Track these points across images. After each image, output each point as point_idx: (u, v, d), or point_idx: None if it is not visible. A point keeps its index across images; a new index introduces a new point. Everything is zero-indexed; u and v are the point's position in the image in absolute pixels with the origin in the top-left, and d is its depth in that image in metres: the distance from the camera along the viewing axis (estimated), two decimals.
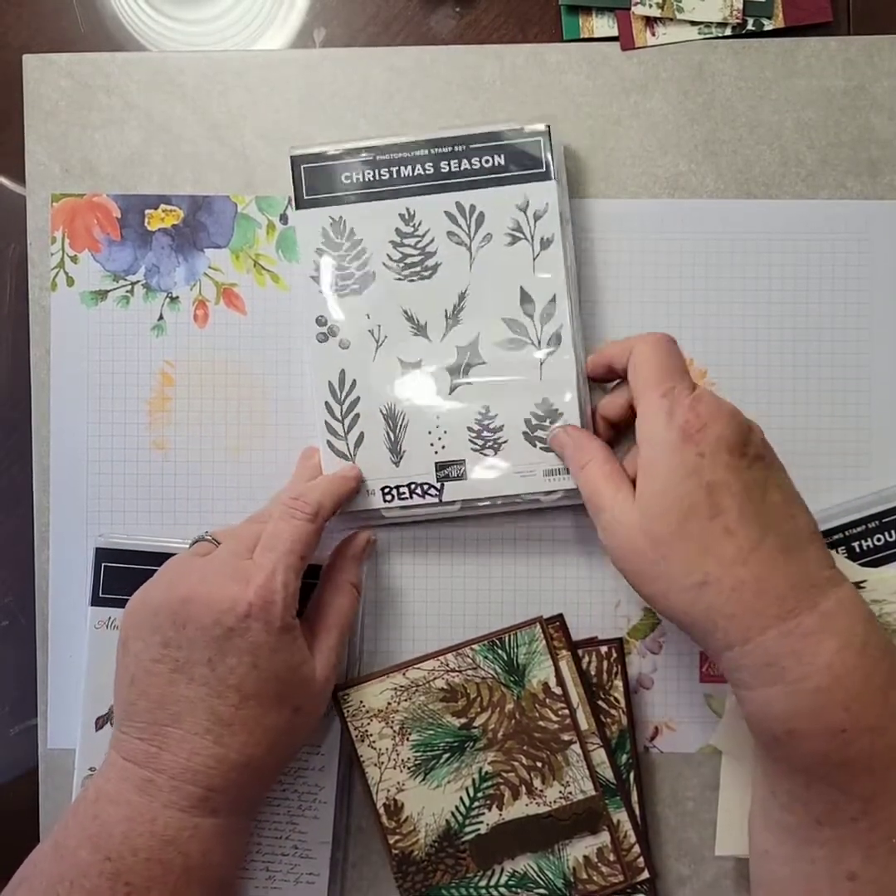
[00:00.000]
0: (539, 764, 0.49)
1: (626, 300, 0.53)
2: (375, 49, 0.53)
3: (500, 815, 0.49)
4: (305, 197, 0.50)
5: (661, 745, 0.52)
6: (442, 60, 0.53)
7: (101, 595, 0.51)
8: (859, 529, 0.51)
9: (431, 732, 0.49)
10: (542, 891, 0.49)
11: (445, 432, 0.49)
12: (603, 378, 0.50)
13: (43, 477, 0.53)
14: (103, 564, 0.51)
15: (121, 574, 0.51)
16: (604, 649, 0.51)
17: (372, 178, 0.50)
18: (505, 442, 0.49)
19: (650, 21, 0.52)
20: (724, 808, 0.51)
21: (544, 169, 0.50)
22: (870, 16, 0.53)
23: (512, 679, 0.49)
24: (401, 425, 0.49)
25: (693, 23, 0.52)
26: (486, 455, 0.49)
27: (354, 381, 0.50)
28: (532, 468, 0.49)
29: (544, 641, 0.49)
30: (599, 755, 0.49)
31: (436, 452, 0.49)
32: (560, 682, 0.49)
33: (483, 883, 0.49)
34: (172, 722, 0.42)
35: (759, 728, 0.42)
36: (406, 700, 0.49)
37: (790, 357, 0.53)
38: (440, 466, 0.49)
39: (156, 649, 0.42)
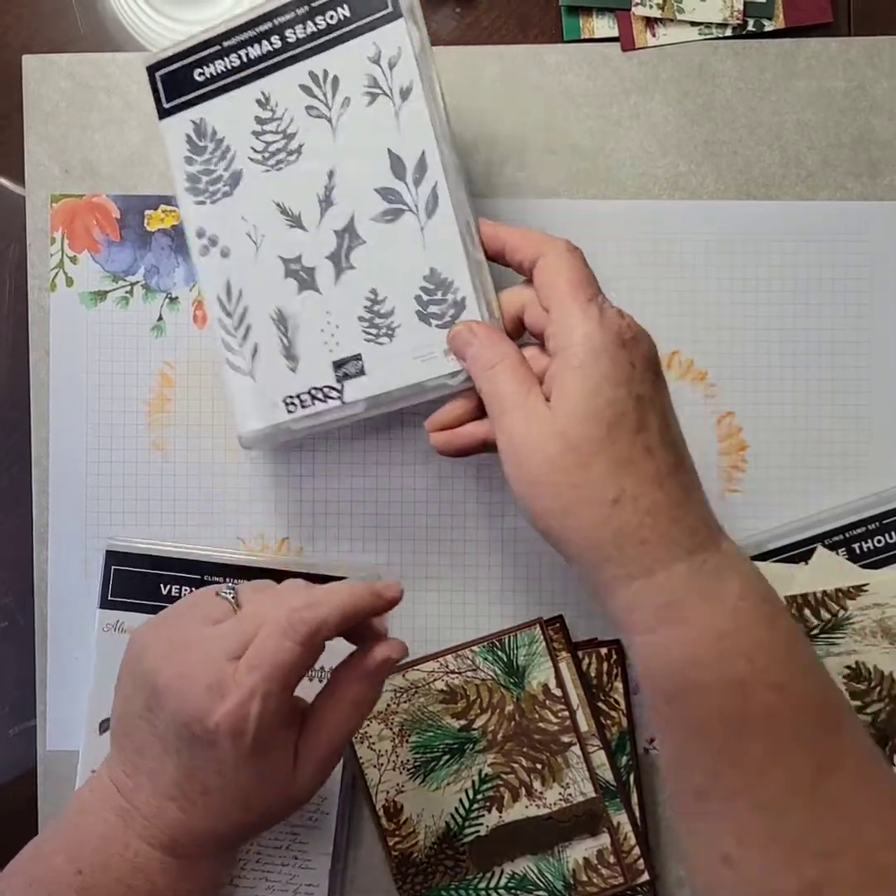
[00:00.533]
0: (539, 766, 0.49)
1: (626, 301, 0.52)
2: None
3: (500, 816, 0.49)
4: (165, 105, 0.47)
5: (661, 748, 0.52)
6: (442, 61, 0.52)
7: (109, 598, 0.51)
8: (859, 531, 0.51)
9: (431, 734, 0.49)
10: (541, 892, 0.49)
11: (338, 327, 0.47)
12: (491, 258, 0.45)
13: (42, 477, 0.53)
14: (112, 567, 0.51)
15: (130, 577, 0.51)
16: (604, 651, 0.50)
17: (224, 69, 0.47)
18: (399, 326, 0.46)
19: (650, 22, 0.52)
20: None
21: (391, 7, 0.44)
22: (870, 17, 0.53)
23: (512, 680, 0.49)
24: (292, 327, 0.47)
25: (693, 23, 0.52)
26: (381, 343, 0.46)
27: (241, 290, 0.47)
28: (431, 350, 0.46)
29: (544, 643, 0.49)
30: (599, 757, 0.49)
31: (331, 351, 0.47)
32: (560, 683, 0.49)
33: (482, 885, 0.49)
34: (147, 774, 0.41)
35: (653, 679, 0.38)
36: (406, 702, 0.49)
37: (790, 358, 0.52)
38: (337, 365, 0.47)
39: (140, 707, 0.41)
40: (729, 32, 0.52)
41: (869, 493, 0.52)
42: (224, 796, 0.40)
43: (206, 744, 0.39)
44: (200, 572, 0.51)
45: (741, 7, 0.52)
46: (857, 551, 0.51)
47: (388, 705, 0.49)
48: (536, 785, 0.49)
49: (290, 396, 0.47)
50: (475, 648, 0.49)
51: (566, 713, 0.49)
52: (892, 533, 0.51)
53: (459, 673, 0.49)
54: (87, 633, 0.52)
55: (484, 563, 0.53)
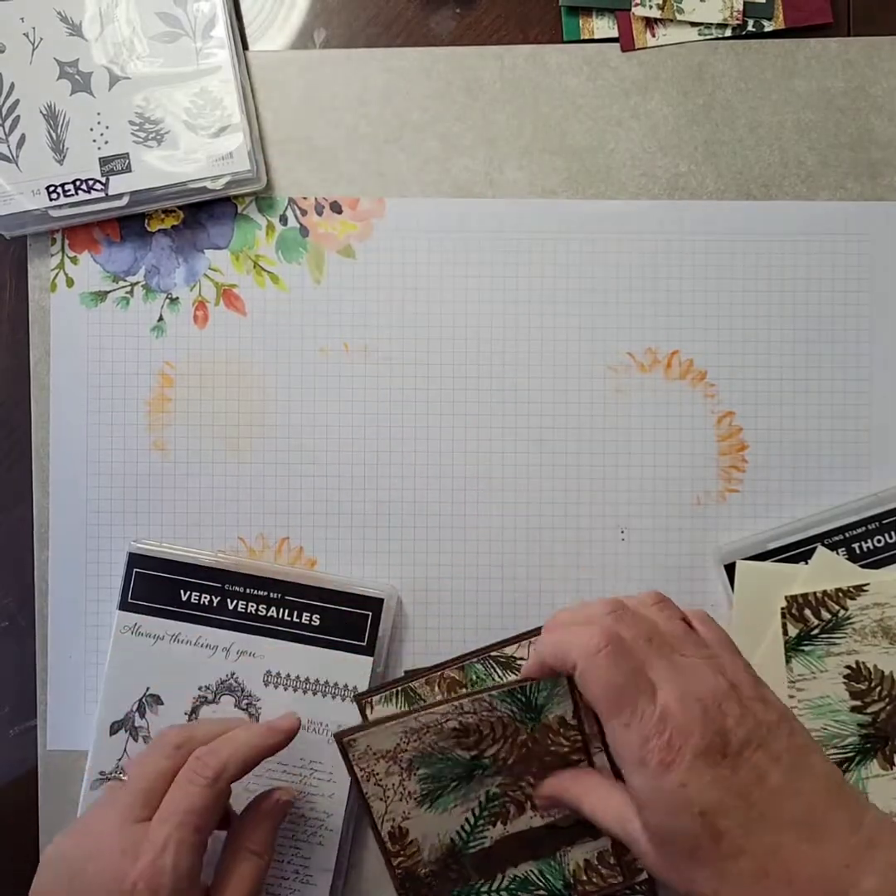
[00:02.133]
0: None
1: (626, 301, 0.53)
2: (375, 50, 0.53)
3: (505, 829, 0.48)
4: None
5: None
6: (442, 61, 0.53)
7: (130, 600, 0.51)
8: (859, 531, 0.51)
9: (440, 766, 0.48)
10: (541, 893, 0.49)
11: (107, 128, 0.50)
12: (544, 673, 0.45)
13: (43, 477, 0.53)
14: (135, 570, 0.51)
15: (151, 581, 0.51)
16: None
17: None
18: (167, 132, 0.50)
19: (650, 22, 0.52)
20: None
21: None
22: (870, 17, 0.53)
23: (528, 716, 0.47)
24: (62, 124, 0.50)
25: (693, 24, 0.52)
26: (149, 147, 0.50)
27: (12, 84, 0.50)
28: (196, 156, 0.50)
29: (568, 687, 0.46)
30: (600, 759, 0.49)
31: (99, 148, 0.50)
32: (577, 715, 0.47)
33: (484, 888, 0.49)
34: None
35: None
36: (416, 740, 0.47)
37: (790, 358, 0.52)
38: (104, 161, 0.50)
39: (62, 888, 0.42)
40: (729, 33, 0.52)
41: (869, 493, 0.52)
42: None
43: None
44: (222, 581, 0.51)
45: (741, 7, 0.52)
46: (857, 551, 0.51)
47: (398, 744, 0.47)
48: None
49: (54, 185, 0.50)
50: (494, 693, 0.47)
51: (579, 738, 0.48)
52: (892, 533, 0.51)
53: (475, 713, 0.47)
54: (87, 633, 0.52)
55: (484, 567, 0.53)
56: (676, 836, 0.38)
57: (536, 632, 0.50)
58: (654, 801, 0.39)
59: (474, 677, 0.50)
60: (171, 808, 0.41)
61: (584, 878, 0.49)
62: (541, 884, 0.49)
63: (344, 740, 0.47)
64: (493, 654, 0.50)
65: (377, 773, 0.47)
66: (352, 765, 0.47)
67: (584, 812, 0.44)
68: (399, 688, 0.50)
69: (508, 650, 0.50)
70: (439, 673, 0.50)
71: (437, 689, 0.50)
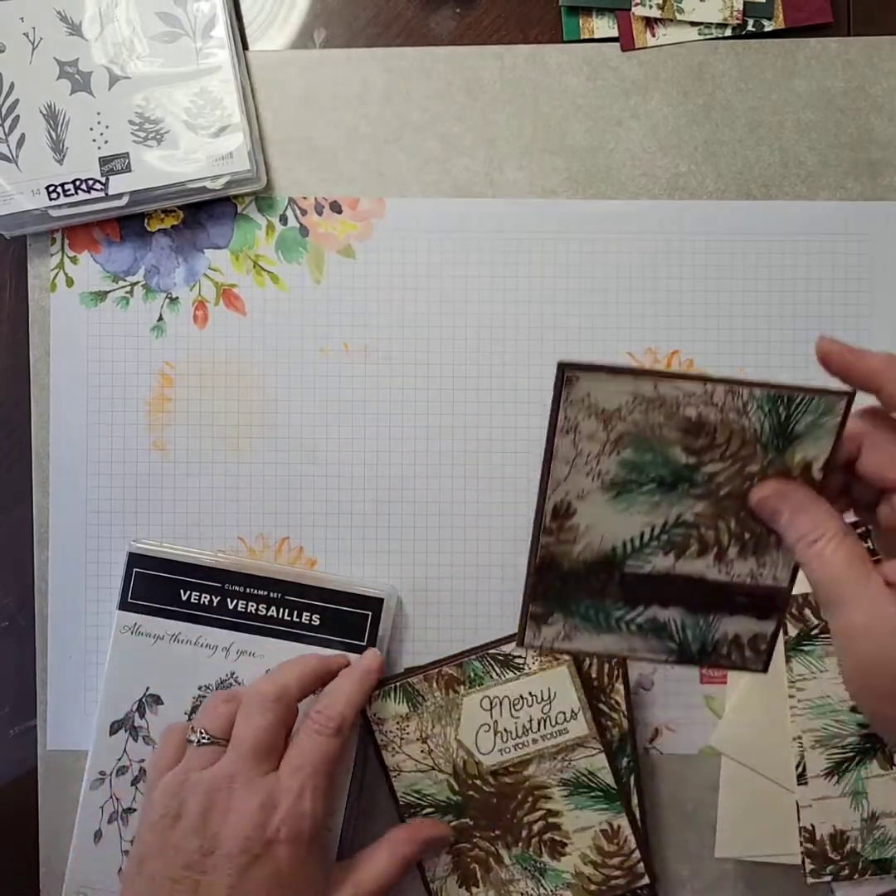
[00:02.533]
0: (746, 535, 0.40)
1: (626, 301, 0.53)
2: (375, 50, 0.53)
3: (674, 565, 0.40)
4: None
5: (661, 747, 0.52)
6: (442, 61, 0.53)
7: (129, 600, 0.51)
8: (859, 531, 0.51)
9: (649, 458, 0.39)
10: (672, 644, 0.41)
11: (107, 128, 0.50)
12: (843, 379, 0.38)
13: (42, 477, 0.53)
14: (135, 570, 0.51)
15: (151, 581, 0.51)
16: None
17: None
18: (167, 132, 0.50)
19: (650, 22, 0.52)
20: (724, 810, 0.50)
21: None
22: (870, 17, 0.53)
23: (775, 443, 0.39)
24: (62, 124, 0.50)
25: (693, 23, 0.52)
26: (149, 147, 0.50)
27: (12, 84, 0.51)
28: (196, 156, 0.50)
29: (840, 419, 0.38)
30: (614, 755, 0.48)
31: (99, 148, 0.50)
32: (827, 466, 0.38)
33: (618, 614, 0.41)
34: None
35: None
36: (640, 413, 0.38)
37: (790, 358, 0.52)
38: (104, 161, 0.50)
39: (176, 870, 0.42)
40: (729, 32, 0.52)
41: None
42: None
43: (265, 861, 0.42)
44: (222, 581, 0.51)
45: (741, 7, 0.52)
46: None
47: (620, 408, 0.38)
48: (732, 552, 0.40)
49: (54, 185, 0.50)
50: (757, 391, 0.38)
51: None
52: None
53: (721, 410, 0.38)
54: (87, 633, 0.52)
55: (485, 563, 0.53)
56: None
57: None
58: None
59: (472, 675, 0.50)
60: (303, 758, 0.44)
61: (725, 651, 0.41)
62: (677, 638, 0.41)
63: (567, 374, 0.37)
64: (491, 651, 0.50)
65: (580, 431, 0.38)
66: (559, 405, 0.38)
67: (817, 543, 0.35)
68: (397, 683, 0.50)
69: (507, 648, 0.50)
70: (437, 670, 0.50)
71: (435, 685, 0.50)
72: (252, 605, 0.51)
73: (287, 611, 0.51)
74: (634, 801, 0.50)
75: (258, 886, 0.42)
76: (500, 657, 0.50)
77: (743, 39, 0.52)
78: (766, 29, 0.52)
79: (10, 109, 0.51)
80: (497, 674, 0.50)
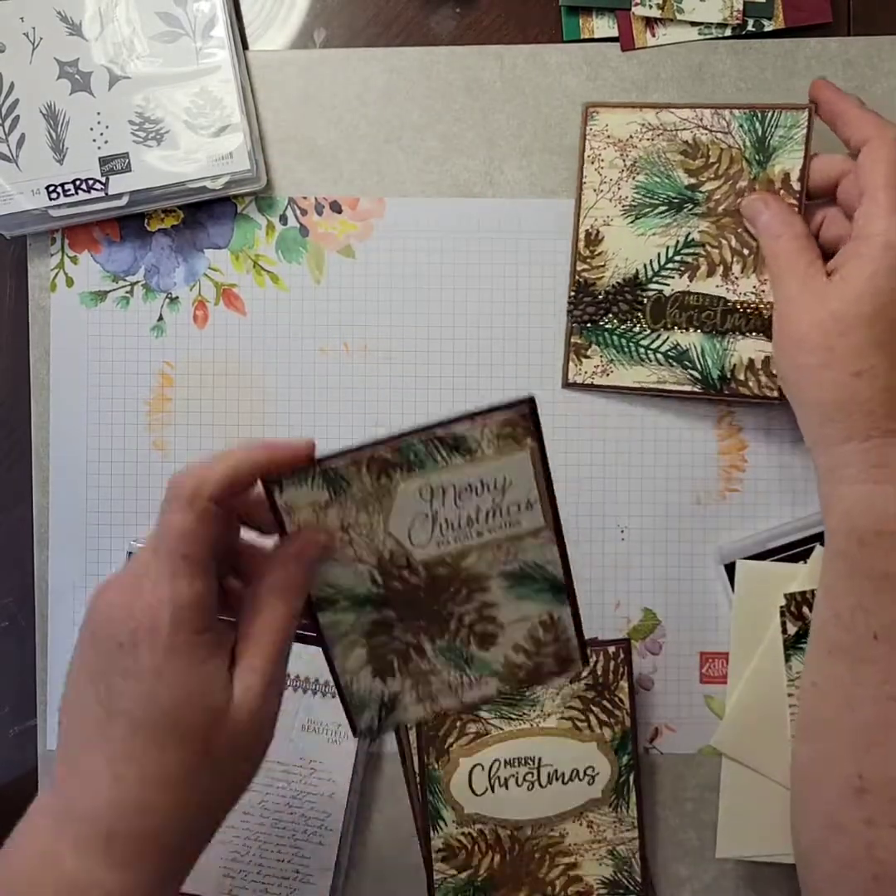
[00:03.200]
0: (746, 251, 0.49)
1: None
2: (375, 50, 0.53)
3: (689, 284, 0.49)
4: None
5: (661, 747, 0.52)
6: (442, 61, 0.53)
7: None
8: None
9: (658, 180, 0.49)
10: (695, 373, 0.50)
11: (107, 128, 0.51)
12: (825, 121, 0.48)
13: (43, 477, 0.53)
14: None
15: None
16: (612, 649, 0.50)
17: None
18: (167, 132, 0.50)
19: (650, 22, 0.52)
20: (725, 810, 0.50)
21: None
22: (870, 17, 0.53)
23: (757, 158, 0.49)
24: (62, 124, 0.50)
25: (693, 23, 0.52)
26: (149, 147, 0.50)
27: (12, 83, 0.51)
28: (196, 155, 0.50)
29: (806, 131, 0.49)
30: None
31: (99, 148, 0.50)
32: (803, 178, 0.49)
33: (645, 343, 0.50)
34: (82, 744, 0.36)
35: (847, 527, 0.43)
36: (648, 140, 0.49)
37: None
38: (104, 161, 0.50)
39: (77, 672, 0.37)
40: (729, 32, 0.52)
41: None
42: (153, 730, 0.35)
43: (129, 653, 0.35)
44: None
45: (741, 7, 0.52)
46: None
47: (631, 137, 0.49)
48: (736, 269, 0.49)
49: (54, 185, 0.50)
50: (735, 112, 0.49)
51: (796, 209, 0.48)
52: None
53: (710, 131, 0.49)
54: None
55: None
56: (875, 290, 0.43)
57: (494, 410, 0.38)
58: (882, 258, 0.43)
59: (411, 458, 0.39)
60: (156, 540, 0.36)
61: (742, 377, 0.49)
62: (699, 364, 0.50)
63: (589, 110, 0.49)
64: (439, 433, 0.39)
65: (603, 159, 0.50)
66: (585, 139, 0.49)
67: (779, 239, 0.47)
68: (317, 469, 0.38)
69: (459, 429, 0.38)
70: (369, 454, 0.38)
71: (365, 470, 0.39)
72: None
73: None
74: (632, 798, 0.50)
75: (124, 684, 0.35)
76: (450, 440, 0.39)
77: (743, 39, 0.52)
78: (766, 29, 0.52)
79: (10, 109, 0.51)
80: (443, 458, 0.39)
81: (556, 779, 0.50)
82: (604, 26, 0.52)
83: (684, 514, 0.52)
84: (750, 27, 0.52)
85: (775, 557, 0.51)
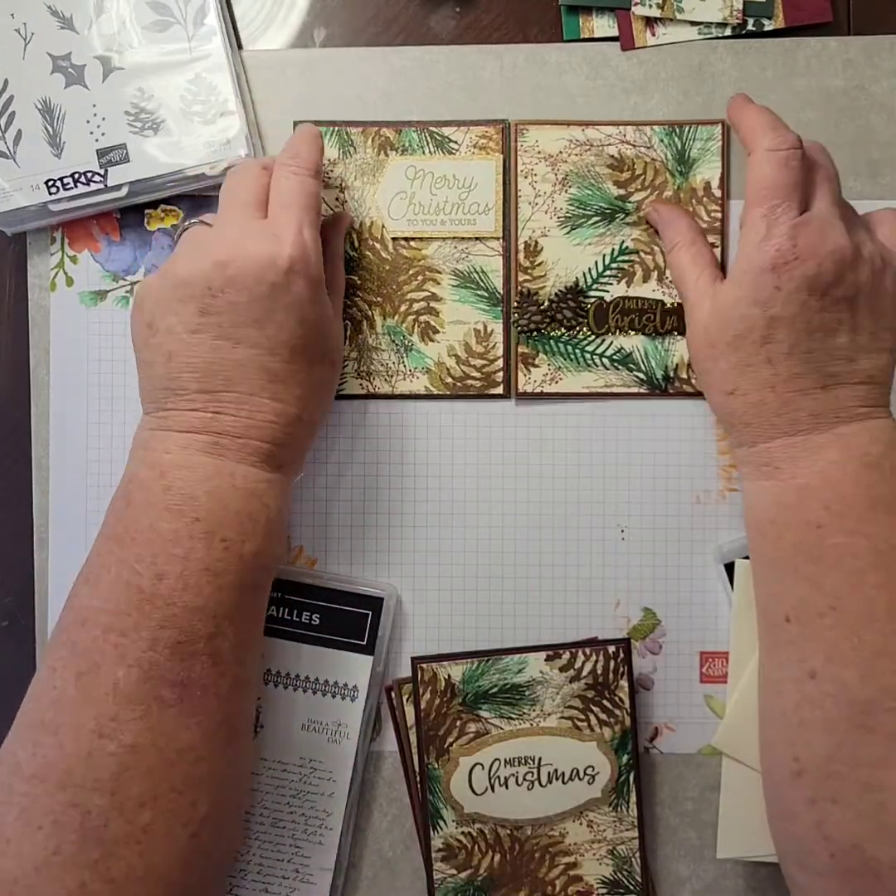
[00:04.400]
0: None
1: None
2: (375, 49, 0.53)
3: (627, 290, 0.51)
4: None
5: (661, 746, 0.52)
6: (442, 60, 0.53)
7: None
8: None
9: (590, 192, 0.51)
10: (640, 375, 0.52)
11: (104, 120, 0.51)
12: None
13: (43, 477, 0.53)
14: None
15: None
16: (612, 649, 0.50)
17: None
18: (163, 121, 0.51)
19: (650, 21, 0.52)
20: (726, 810, 0.50)
21: None
22: (870, 16, 0.53)
23: (679, 169, 0.51)
24: (58, 118, 0.50)
25: (693, 23, 0.52)
26: (146, 136, 0.51)
27: (6, 80, 0.51)
28: (194, 143, 0.50)
29: (721, 143, 0.51)
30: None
31: (96, 140, 0.50)
32: (723, 186, 0.51)
33: (591, 348, 0.52)
34: (225, 387, 0.43)
35: (750, 518, 0.46)
36: (577, 155, 0.51)
37: None
38: (102, 153, 0.50)
39: (192, 320, 0.42)
40: (729, 32, 0.52)
41: None
42: (307, 352, 0.44)
43: (283, 290, 0.42)
44: None
45: (741, 7, 0.52)
46: None
47: (561, 152, 0.51)
48: (669, 273, 0.51)
49: (52, 179, 0.50)
50: (655, 128, 0.51)
51: (719, 214, 0.51)
52: None
53: (634, 145, 0.51)
54: None
55: (485, 563, 0.53)
56: (739, 320, 0.43)
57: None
58: (745, 283, 0.43)
59: (407, 143, 0.52)
60: (288, 197, 0.44)
61: (685, 376, 0.52)
62: (643, 366, 0.52)
63: (517, 127, 0.51)
64: (431, 128, 0.52)
65: (536, 174, 0.51)
66: (515, 154, 0.51)
67: (673, 250, 0.49)
68: (335, 128, 0.52)
69: (447, 131, 0.52)
70: (377, 128, 0.52)
71: (370, 141, 0.52)
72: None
73: (287, 610, 0.51)
74: (632, 797, 0.50)
75: (285, 317, 0.43)
76: (439, 137, 0.52)
77: (743, 39, 0.52)
78: (766, 28, 0.52)
79: (5, 106, 0.51)
80: (430, 150, 0.52)
81: (556, 778, 0.50)
82: (604, 26, 0.52)
83: (684, 514, 0.52)
84: (750, 27, 0.52)
85: None
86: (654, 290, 0.52)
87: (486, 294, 0.52)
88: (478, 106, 0.52)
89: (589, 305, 0.51)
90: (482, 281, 0.52)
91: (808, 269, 0.42)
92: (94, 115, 0.51)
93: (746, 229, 0.44)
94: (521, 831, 0.50)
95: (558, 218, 0.51)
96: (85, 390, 0.53)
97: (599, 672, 0.50)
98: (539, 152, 0.51)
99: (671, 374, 0.52)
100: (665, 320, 0.51)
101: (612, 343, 0.51)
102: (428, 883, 0.50)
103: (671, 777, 0.52)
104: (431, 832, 0.50)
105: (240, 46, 0.53)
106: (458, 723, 0.50)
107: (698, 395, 0.52)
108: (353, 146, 0.52)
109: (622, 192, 0.51)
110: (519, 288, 0.51)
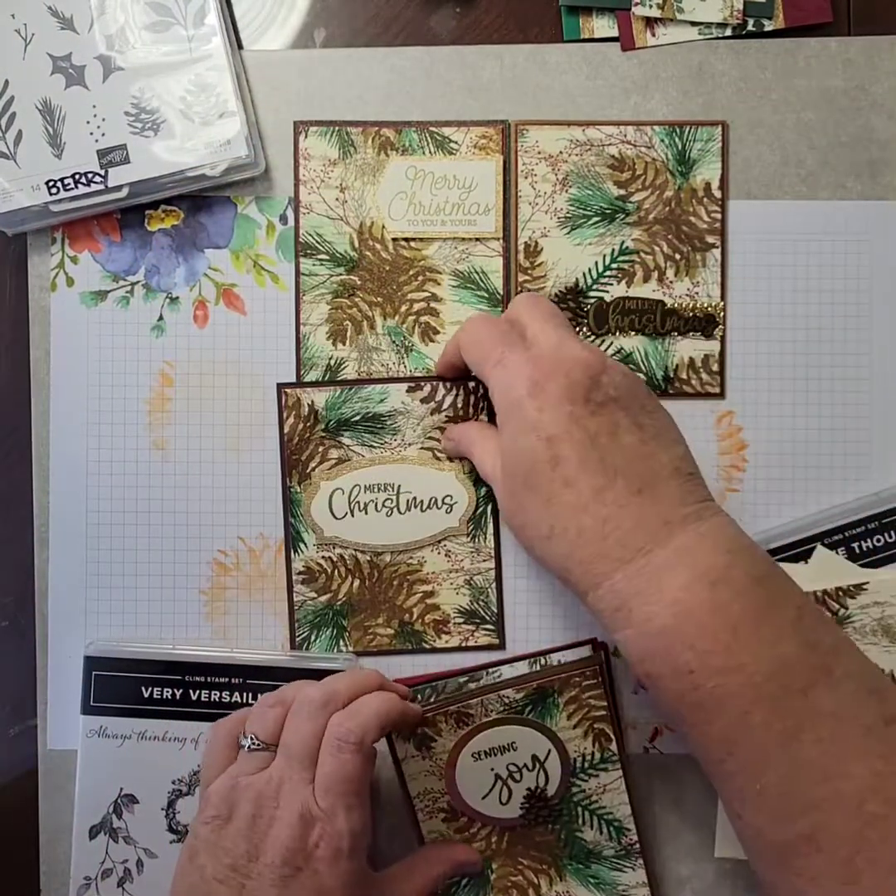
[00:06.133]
0: (678, 256, 0.51)
1: None
2: (375, 49, 0.53)
3: (627, 290, 0.51)
4: None
5: (662, 747, 0.52)
6: (442, 61, 0.53)
7: (92, 703, 0.50)
8: (859, 530, 0.51)
9: (590, 192, 0.51)
10: (641, 375, 0.51)
11: (104, 120, 0.50)
12: (457, 377, 0.51)
13: (43, 477, 0.53)
14: (94, 673, 0.50)
15: (111, 682, 0.50)
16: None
17: None
18: (163, 121, 0.51)
19: (650, 21, 0.52)
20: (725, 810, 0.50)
21: None
22: (870, 16, 0.53)
23: (679, 169, 0.51)
24: (58, 119, 0.50)
25: (693, 23, 0.52)
26: (146, 137, 0.51)
27: (6, 81, 0.51)
28: (194, 144, 0.50)
29: (721, 144, 0.51)
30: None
31: (96, 141, 0.50)
32: (723, 187, 0.51)
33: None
34: None
35: (632, 672, 0.42)
36: (577, 155, 0.51)
37: (790, 357, 0.53)
38: (102, 153, 0.50)
39: (224, 870, 0.42)
40: (729, 32, 0.52)
41: (869, 493, 0.52)
42: None
43: (308, 875, 0.41)
44: (182, 673, 0.50)
45: (741, 7, 0.52)
46: (857, 551, 0.51)
47: (561, 152, 0.51)
48: (670, 273, 0.51)
49: (53, 180, 0.50)
50: (656, 128, 0.51)
51: (718, 215, 0.51)
52: (892, 532, 0.51)
53: (635, 145, 0.51)
54: (87, 634, 0.52)
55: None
56: (521, 455, 0.42)
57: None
58: (512, 425, 0.42)
59: (407, 144, 0.52)
60: (330, 778, 0.43)
61: (685, 376, 0.52)
62: (643, 366, 0.51)
63: (518, 127, 0.51)
64: (431, 128, 0.52)
65: (536, 175, 0.51)
66: (516, 155, 0.50)
67: (474, 459, 0.49)
68: (334, 128, 0.52)
69: (447, 131, 0.52)
70: (376, 129, 0.52)
71: (370, 143, 0.52)
72: (215, 694, 0.50)
73: (251, 695, 0.50)
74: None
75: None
76: (439, 137, 0.52)
77: (743, 39, 0.52)
78: (766, 29, 0.52)
79: (5, 107, 0.51)
80: (430, 151, 0.52)
81: (415, 506, 0.51)
82: (604, 26, 0.52)
83: None
84: (750, 27, 0.52)
85: (775, 558, 0.51)
86: (654, 291, 0.51)
87: (486, 295, 0.52)
88: (478, 106, 0.52)
89: (589, 306, 0.51)
90: (482, 281, 0.52)
91: (559, 382, 0.42)
92: (95, 115, 0.51)
93: (493, 390, 0.44)
94: (380, 558, 0.51)
95: (558, 218, 0.51)
96: (85, 390, 0.53)
97: (460, 405, 0.51)
98: (539, 152, 0.51)
99: (671, 374, 0.51)
100: (665, 321, 0.51)
101: (612, 343, 0.51)
102: (288, 604, 0.51)
103: (671, 777, 0.52)
104: (292, 555, 0.51)
105: (240, 47, 0.53)
106: (321, 448, 0.51)
107: (698, 395, 0.52)
108: (353, 146, 0.52)
109: (622, 192, 0.51)
110: (519, 288, 0.51)
